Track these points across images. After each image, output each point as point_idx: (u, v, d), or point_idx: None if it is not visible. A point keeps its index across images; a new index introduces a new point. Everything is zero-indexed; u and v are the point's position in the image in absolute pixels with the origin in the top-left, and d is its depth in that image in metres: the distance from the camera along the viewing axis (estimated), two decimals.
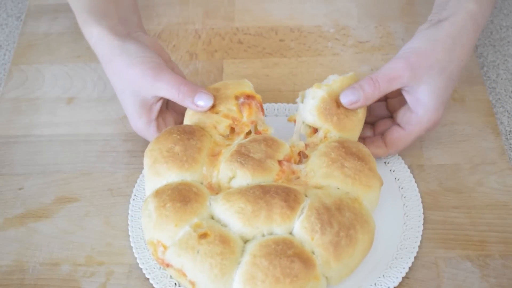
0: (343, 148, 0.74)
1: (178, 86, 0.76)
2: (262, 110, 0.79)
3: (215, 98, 0.78)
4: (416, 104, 0.76)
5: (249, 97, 0.79)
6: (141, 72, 0.76)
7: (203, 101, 0.76)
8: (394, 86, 0.75)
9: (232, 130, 0.78)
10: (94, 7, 0.81)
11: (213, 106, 0.77)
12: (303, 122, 0.78)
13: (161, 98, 0.78)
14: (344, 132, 0.76)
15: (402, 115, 0.78)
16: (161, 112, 0.80)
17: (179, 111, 0.83)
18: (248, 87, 0.80)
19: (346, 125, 0.76)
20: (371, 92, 0.75)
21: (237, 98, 0.78)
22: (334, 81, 0.78)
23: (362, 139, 0.80)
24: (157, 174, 0.74)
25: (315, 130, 0.78)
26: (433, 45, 0.75)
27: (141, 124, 0.79)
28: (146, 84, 0.76)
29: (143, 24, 0.86)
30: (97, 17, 0.80)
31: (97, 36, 0.79)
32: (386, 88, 0.75)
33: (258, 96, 0.79)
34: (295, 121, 0.79)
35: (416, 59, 0.74)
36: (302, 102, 0.79)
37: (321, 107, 0.76)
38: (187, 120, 0.79)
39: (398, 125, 0.79)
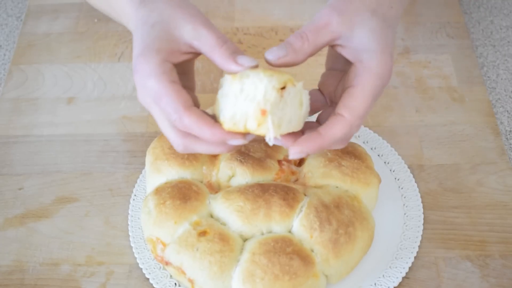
0: None
1: (225, 39, 0.65)
2: None
3: None
4: (357, 53, 0.65)
5: None
6: (191, 14, 0.66)
7: (246, 61, 0.64)
8: (324, 36, 0.65)
9: None
10: None
11: None
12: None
13: (190, 53, 0.66)
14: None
15: (347, 75, 0.67)
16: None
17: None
18: None
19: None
20: (299, 44, 0.65)
21: None
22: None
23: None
24: (158, 171, 0.74)
25: None
26: None
27: (154, 58, 0.63)
28: (189, 25, 0.65)
29: None
30: None
31: None
32: (315, 39, 0.65)
33: None
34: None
35: (341, 3, 0.66)
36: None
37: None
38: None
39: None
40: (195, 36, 0.65)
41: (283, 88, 0.62)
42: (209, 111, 0.68)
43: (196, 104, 0.68)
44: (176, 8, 0.66)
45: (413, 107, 0.89)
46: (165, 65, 0.63)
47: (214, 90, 0.92)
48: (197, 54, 0.67)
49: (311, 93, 0.70)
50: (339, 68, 0.71)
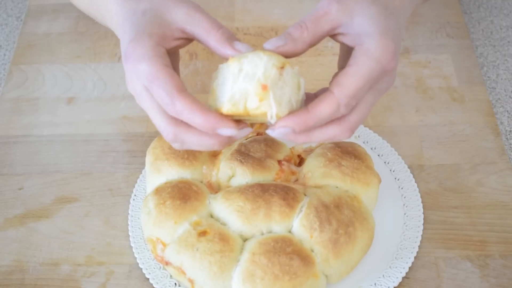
0: (339, 148, 0.75)
1: (220, 25, 0.64)
2: None
3: None
4: (357, 38, 0.63)
5: None
6: (183, 0, 0.65)
7: (243, 47, 0.63)
8: (324, 25, 0.64)
9: None
10: None
11: None
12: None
13: (182, 38, 0.65)
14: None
15: (345, 60, 0.65)
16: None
17: None
18: None
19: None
20: (298, 33, 0.63)
21: None
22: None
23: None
24: (158, 170, 0.74)
25: None
26: None
27: (146, 42, 0.62)
28: (182, 10, 0.64)
29: None
30: None
31: None
32: (314, 28, 0.63)
33: None
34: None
35: None
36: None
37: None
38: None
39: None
40: (188, 20, 0.63)
41: (282, 68, 0.61)
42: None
43: None
44: None
45: (413, 107, 0.89)
46: (158, 48, 0.62)
47: None
48: (189, 40, 0.66)
49: (321, 91, 0.68)
50: None
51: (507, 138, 0.87)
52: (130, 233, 0.76)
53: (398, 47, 0.63)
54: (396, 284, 0.71)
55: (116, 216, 0.79)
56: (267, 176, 0.74)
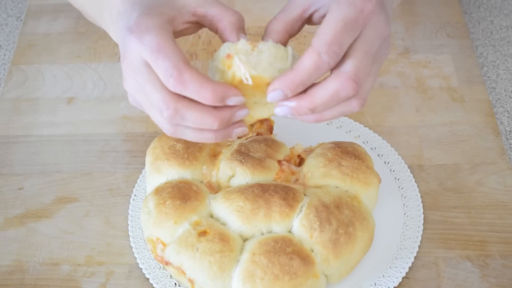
0: (339, 148, 0.75)
1: (234, 10, 0.65)
2: (271, 131, 0.79)
3: None
4: (327, 3, 0.62)
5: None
6: None
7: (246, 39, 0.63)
8: (294, 11, 0.65)
9: None
10: None
11: None
12: None
13: (191, 22, 0.65)
14: None
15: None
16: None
17: None
18: None
19: None
20: (269, 26, 0.65)
21: None
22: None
23: None
24: (158, 170, 0.74)
25: None
26: None
27: (156, 16, 0.61)
28: None
29: None
30: None
31: None
32: (284, 15, 0.65)
33: (272, 120, 0.80)
34: None
35: None
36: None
37: None
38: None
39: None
40: (202, 2, 0.63)
41: (255, 42, 0.62)
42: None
43: None
44: None
45: (413, 107, 0.89)
46: (167, 25, 0.61)
47: None
48: (197, 27, 0.66)
49: None
50: None
51: (507, 138, 0.87)
52: (130, 233, 0.76)
53: None
54: (396, 284, 0.71)
55: (116, 216, 0.79)
56: (267, 176, 0.74)
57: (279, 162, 0.75)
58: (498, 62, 0.96)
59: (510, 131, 0.88)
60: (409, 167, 0.82)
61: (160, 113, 0.62)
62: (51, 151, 0.86)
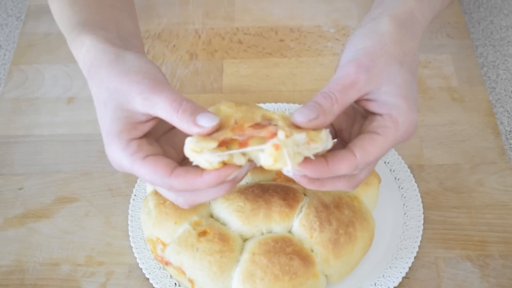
0: None
1: (180, 101, 0.61)
2: None
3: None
4: (385, 107, 0.63)
5: None
6: (137, 81, 0.62)
7: (206, 121, 0.60)
8: (352, 95, 0.62)
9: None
10: (90, 21, 0.70)
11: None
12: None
13: (153, 118, 0.63)
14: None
15: (370, 122, 0.64)
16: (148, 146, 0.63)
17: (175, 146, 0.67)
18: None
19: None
20: (329, 105, 0.61)
21: None
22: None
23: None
24: None
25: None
26: (380, 40, 0.64)
27: (118, 145, 0.61)
28: (138, 96, 0.61)
29: (144, 51, 0.74)
30: (93, 28, 0.68)
31: (89, 44, 0.67)
32: (343, 98, 0.62)
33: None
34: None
35: (367, 58, 0.63)
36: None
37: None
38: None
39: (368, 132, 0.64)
40: (148, 106, 0.61)
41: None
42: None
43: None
44: (120, 77, 0.63)
45: None
46: (131, 146, 0.61)
47: (214, 90, 0.92)
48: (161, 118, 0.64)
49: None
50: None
51: (507, 138, 0.87)
52: (130, 233, 0.76)
53: (417, 109, 0.65)
54: (396, 284, 0.71)
55: (116, 216, 0.79)
56: (267, 176, 0.74)
57: None
58: (498, 62, 0.96)
59: (510, 131, 0.88)
60: (409, 167, 0.82)
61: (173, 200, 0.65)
62: (51, 151, 0.86)
